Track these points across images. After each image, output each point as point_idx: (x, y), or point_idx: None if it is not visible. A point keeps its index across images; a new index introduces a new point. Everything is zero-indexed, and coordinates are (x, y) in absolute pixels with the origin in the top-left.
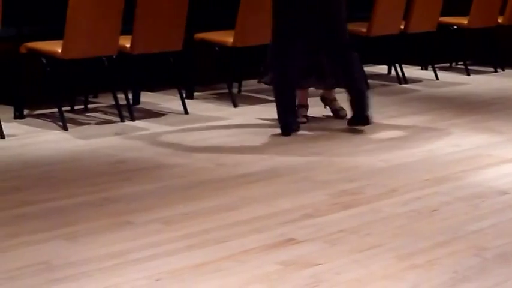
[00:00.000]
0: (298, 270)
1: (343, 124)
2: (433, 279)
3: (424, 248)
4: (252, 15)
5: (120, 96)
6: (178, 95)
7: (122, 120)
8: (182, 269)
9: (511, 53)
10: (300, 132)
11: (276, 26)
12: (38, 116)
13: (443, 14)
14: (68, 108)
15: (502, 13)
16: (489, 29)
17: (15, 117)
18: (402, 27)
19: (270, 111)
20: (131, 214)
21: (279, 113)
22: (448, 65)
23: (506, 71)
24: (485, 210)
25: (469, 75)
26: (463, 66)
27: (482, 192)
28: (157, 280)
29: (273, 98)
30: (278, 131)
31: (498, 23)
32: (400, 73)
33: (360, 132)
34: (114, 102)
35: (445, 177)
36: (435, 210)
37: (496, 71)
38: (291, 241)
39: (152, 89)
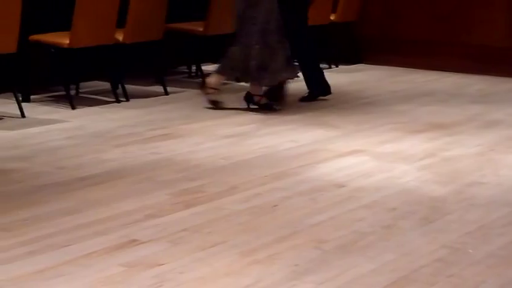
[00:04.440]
0: (142, 271)
1: (182, 122)
2: (275, 273)
3: (266, 243)
4: (88, 16)
5: None
6: (14, 98)
7: None
8: (24, 275)
9: (343, 49)
10: (138, 131)
11: None
12: None
13: None
14: None
15: (334, 11)
16: (322, 27)
17: None
18: None
19: (109, 112)
20: None
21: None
22: None
23: (340, 67)
24: (324, 204)
25: None
26: (297, 64)
27: (320, 186)
28: None
29: (112, 100)
30: (118, 132)
31: (331, 20)
32: None
33: (200, 130)
34: None
35: (284, 172)
36: (276, 206)
37: (330, 67)
38: (134, 242)
39: None
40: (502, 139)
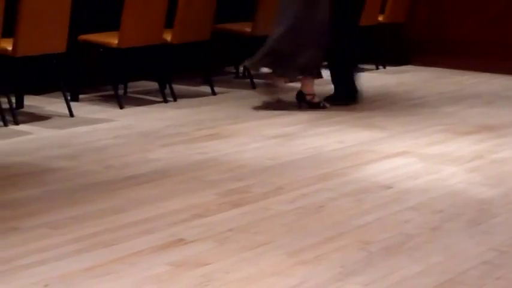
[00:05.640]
0: (189, 270)
1: (229, 123)
2: (321, 274)
3: (312, 244)
4: (137, 15)
5: (3, 99)
6: (63, 98)
7: (5, 125)
8: (71, 273)
9: (391, 50)
10: (185, 131)
11: None
12: None
13: None
14: None
15: (382, 11)
16: (370, 27)
17: None
18: None
19: (156, 111)
20: (18, 219)
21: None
22: None
23: (387, 68)
24: (370, 205)
25: None
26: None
27: (366, 188)
28: (46, 286)
29: (159, 100)
30: (165, 131)
31: (378, 21)
32: None
33: (247, 130)
34: None
35: (330, 173)
36: (322, 207)
37: (377, 68)
38: (180, 241)
39: (36, 92)
40: None
